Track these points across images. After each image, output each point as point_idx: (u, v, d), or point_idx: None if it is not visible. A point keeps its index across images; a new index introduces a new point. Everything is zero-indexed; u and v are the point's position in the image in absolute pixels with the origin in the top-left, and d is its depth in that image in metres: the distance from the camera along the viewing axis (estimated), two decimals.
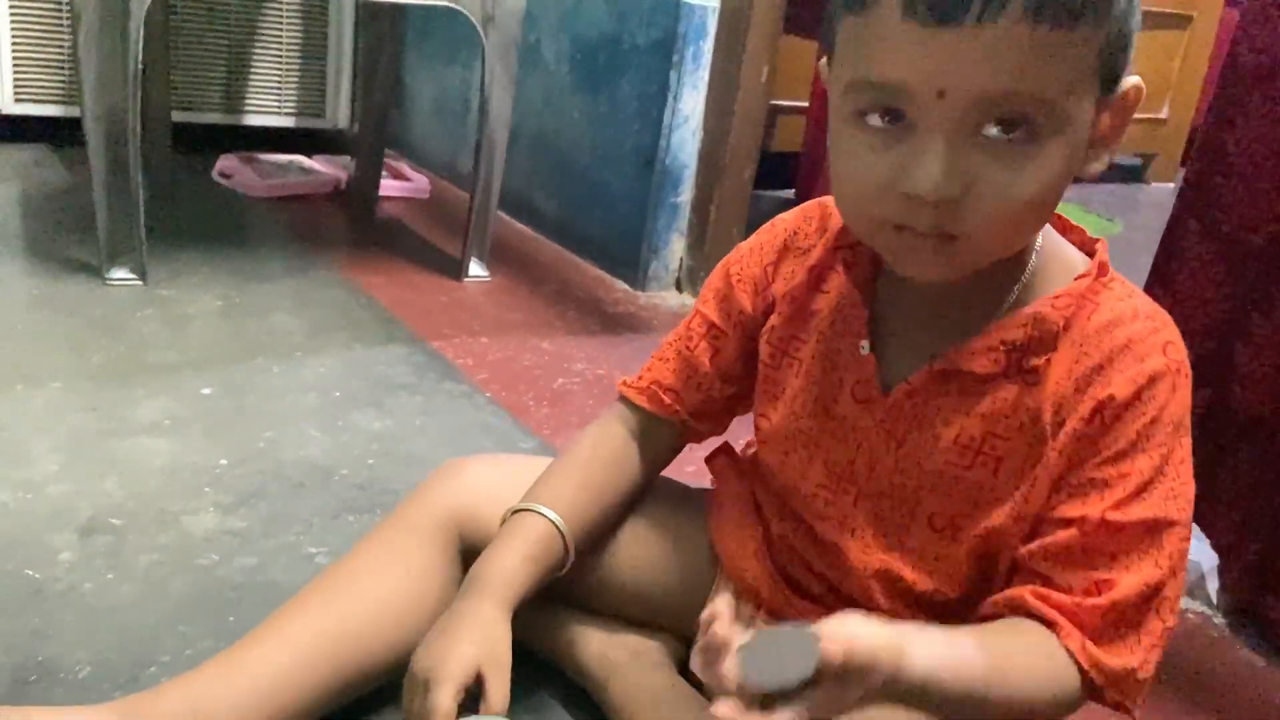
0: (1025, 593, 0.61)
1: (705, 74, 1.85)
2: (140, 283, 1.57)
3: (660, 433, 0.81)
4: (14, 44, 2.16)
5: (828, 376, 0.70)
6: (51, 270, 1.59)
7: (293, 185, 2.22)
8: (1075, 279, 0.63)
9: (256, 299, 1.61)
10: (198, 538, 0.98)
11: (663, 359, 0.81)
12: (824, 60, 0.62)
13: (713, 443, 0.86)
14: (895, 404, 0.66)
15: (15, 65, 2.17)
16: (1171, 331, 0.63)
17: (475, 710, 0.66)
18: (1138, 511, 0.59)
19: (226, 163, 2.24)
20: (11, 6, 2.13)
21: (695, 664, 0.81)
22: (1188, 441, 0.62)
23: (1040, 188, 0.55)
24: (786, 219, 0.77)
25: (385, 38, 2.13)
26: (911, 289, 0.66)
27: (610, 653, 0.82)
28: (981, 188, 0.54)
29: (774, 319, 0.74)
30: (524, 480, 0.80)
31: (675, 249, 1.97)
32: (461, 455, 0.86)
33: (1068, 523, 0.60)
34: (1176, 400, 0.61)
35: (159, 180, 2.07)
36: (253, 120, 2.45)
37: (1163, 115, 3.58)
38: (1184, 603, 1.11)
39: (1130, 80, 0.57)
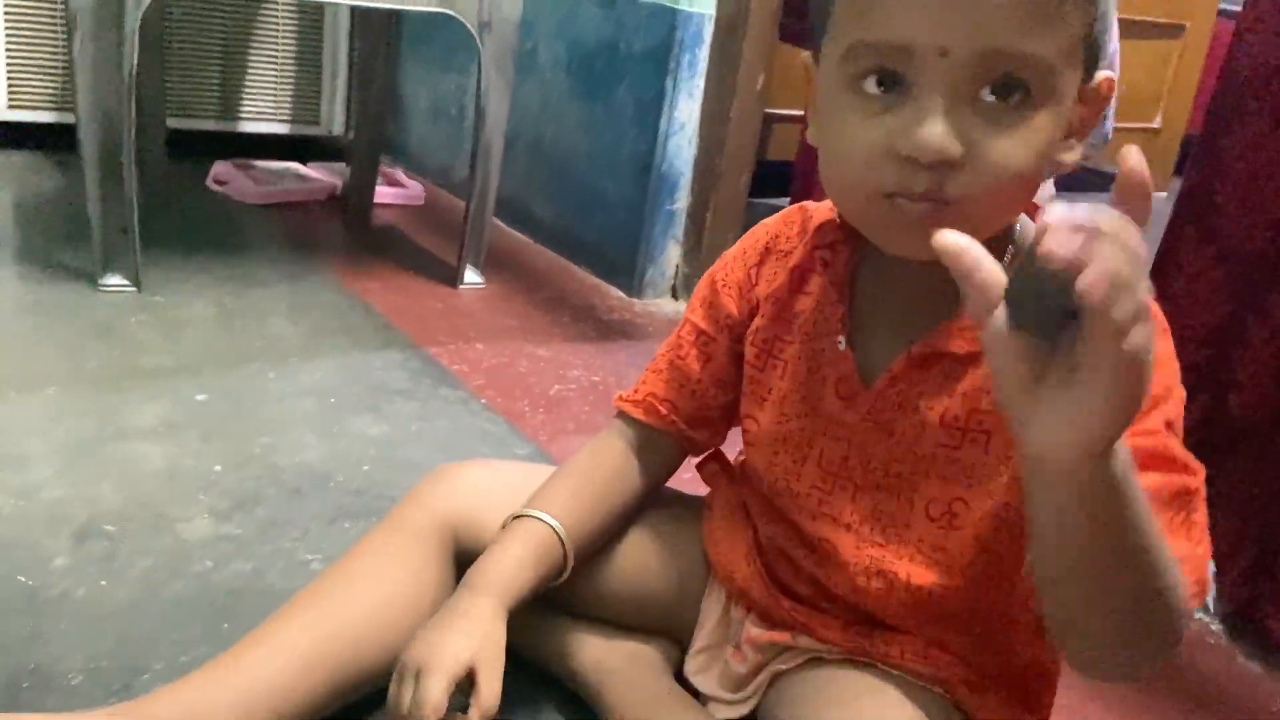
0: None
1: (701, 81, 1.85)
2: (134, 289, 1.56)
3: (659, 445, 0.82)
4: (8, 50, 2.15)
5: (812, 376, 0.71)
6: (45, 276, 1.58)
7: (287, 192, 2.22)
8: None
9: (251, 305, 1.60)
10: (193, 544, 0.97)
11: (656, 371, 0.81)
12: (809, 55, 0.63)
13: None
14: (879, 394, 0.67)
15: (9, 71, 2.16)
16: None
17: (464, 707, 0.65)
18: (1155, 422, 0.58)
19: (221, 169, 2.23)
20: (6, 12, 2.13)
21: (690, 668, 0.81)
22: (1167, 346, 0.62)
23: (1032, 155, 0.56)
24: (768, 224, 0.78)
25: (381, 44, 2.13)
26: (889, 284, 0.67)
27: (606, 658, 0.82)
28: (980, 151, 0.55)
29: (758, 321, 0.75)
30: (519, 485, 0.80)
31: (671, 256, 1.97)
32: (457, 461, 0.85)
33: None
34: (1161, 324, 0.61)
35: (153, 187, 2.06)
36: (248, 127, 2.44)
37: (1156, 124, 3.60)
38: None
39: (1103, 73, 0.59)
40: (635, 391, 0.82)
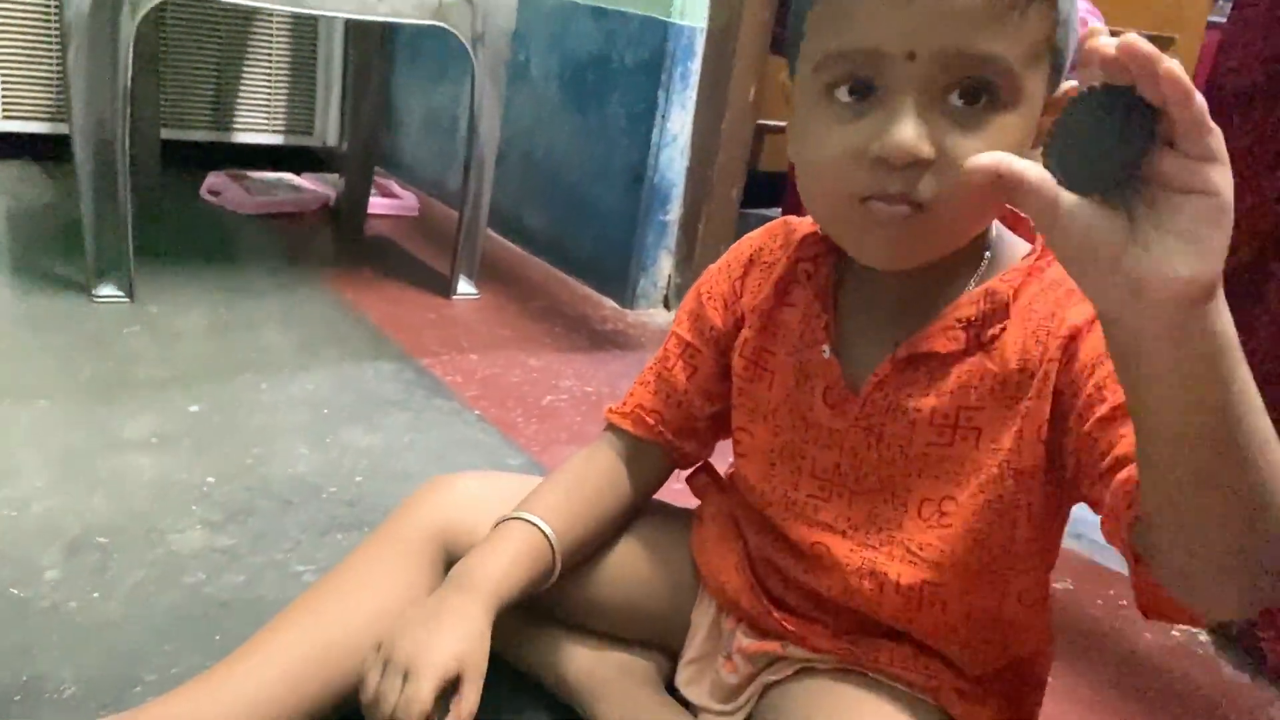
0: None
1: (693, 94, 1.86)
2: (128, 300, 1.56)
3: (647, 456, 0.82)
4: (2, 61, 2.16)
5: (801, 386, 0.72)
6: (39, 287, 1.58)
7: (281, 203, 2.22)
8: (1021, 259, 0.67)
9: (245, 316, 1.60)
10: (185, 555, 0.97)
11: (644, 383, 0.82)
12: (784, 75, 0.65)
13: None
14: (867, 399, 0.68)
15: (3, 82, 2.17)
16: None
17: (443, 709, 0.64)
18: None
19: (215, 180, 2.24)
20: (0, 23, 2.13)
21: (680, 679, 0.81)
22: None
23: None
24: (752, 237, 0.79)
25: (375, 55, 2.14)
26: (871, 292, 0.68)
27: (597, 670, 0.82)
28: (950, 153, 0.56)
29: (745, 333, 0.76)
30: (511, 496, 0.80)
31: (663, 266, 1.98)
32: (450, 471, 0.86)
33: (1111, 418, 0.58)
34: None
35: (147, 197, 2.06)
36: (242, 138, 2.45)
37: None
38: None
39: (1068, 83, 0.60)
40: (624, 404, 0.83)
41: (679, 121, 1.88)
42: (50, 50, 2.19)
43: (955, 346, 0.64)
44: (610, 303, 1.98)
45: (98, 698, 0.78)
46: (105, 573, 0.93)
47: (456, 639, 0.66)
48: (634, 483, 0.82)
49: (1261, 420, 0.45)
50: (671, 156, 1.90)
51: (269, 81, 2.45)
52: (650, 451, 0.82)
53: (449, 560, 0.79)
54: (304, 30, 2.45)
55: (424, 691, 0.63)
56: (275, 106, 2.47)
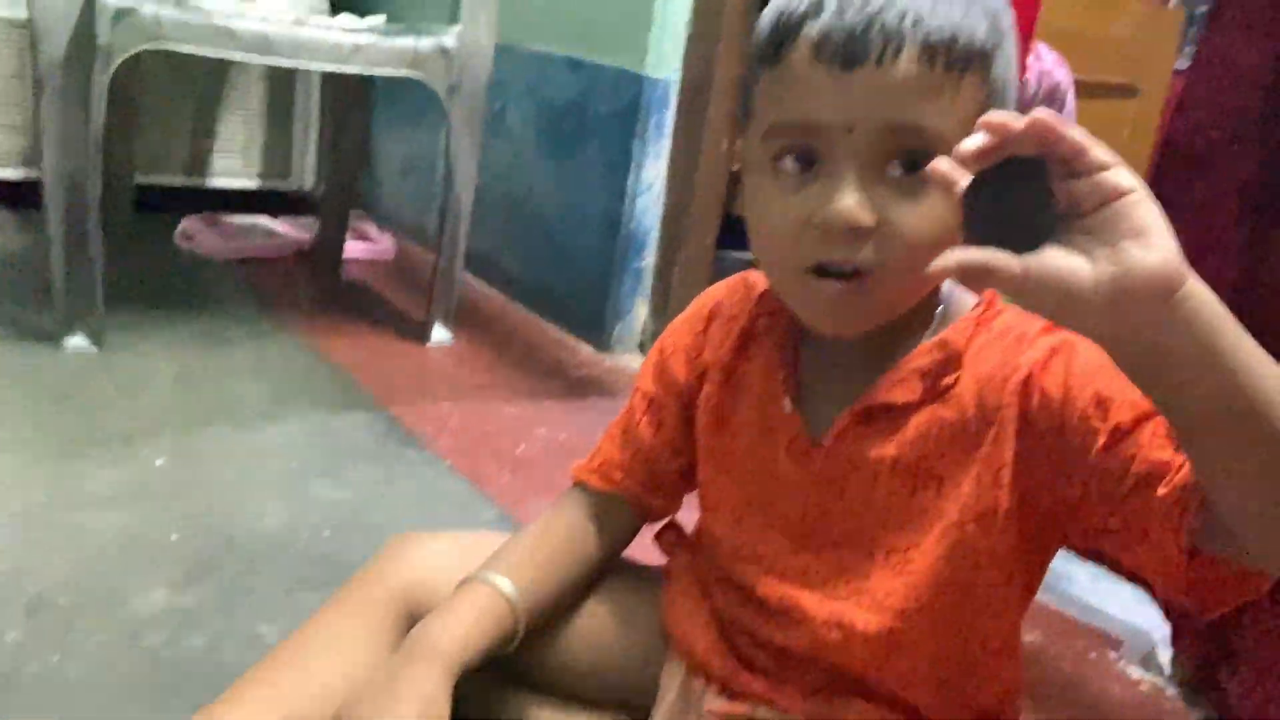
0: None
1: (667, 144, 1.88)
2: (96, 349, 1.55)
3: (615, 512, 0.82)
4: None
5: (764, 439, 0.72)
6: (7, 337, 1.57)
7: (256, 247, 2.22)
8: (970, 311, 0.68)
9: (215, 365, 1.60)
10: (146, 616, 0.96)
11: (610, 438, 0.82)
12: (739, 140, 0.67)
13: None
14: (829, 452, 0.68)
15: None
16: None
17: None
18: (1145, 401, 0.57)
19: (189, 224, 2.23)
20: None
21: None
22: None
23: (940, 224, 0.58)
24: (713, 291, 0.80)
25: (352, 100, 2.15)
26: (829, 345, 0.69)
27: None
28: (891, 221, 0.58)
29: (708, 388, 0.76)
30: (475, 556, 0.79)
31: (639, 312, 1.99)
32: (420, 525, 0.85)
33: (1115, 439, 0.58)
34: (1075, 338, 0.62)
35: (120, 243, 2.05)
36: (218, 182, 2.45)
37: None
38: (1136, 673, 1.12)
39: None
40: (590, 459, 0.82)
41: (654, 170, 1.89)
42: (23, 96, 2.19)
43: (912, 397, 0.65)
44: (586, 348, 1.98)
45: None
46: (66, 635, 0.92)
47: (414, 710, 0.65)
48: (601, 540, 0.82)
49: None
50: (647, 204, 1.92)
51: (246, 125, 2.45)
52: (618, 507, 0.82)
53: (413, 623, 0.78)
54: (281, 74, 2.46)
55: None
56: (252, 150, 2.47)
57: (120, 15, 1.40)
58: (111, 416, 1.36)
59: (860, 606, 0.68)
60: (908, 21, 0.57)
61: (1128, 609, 1.19)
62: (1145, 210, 0.45)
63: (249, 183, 2.48)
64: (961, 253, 0.45)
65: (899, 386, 0.66)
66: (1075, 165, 0.45)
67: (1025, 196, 0.46)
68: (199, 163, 2.41)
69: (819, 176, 0.60)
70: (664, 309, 1.94)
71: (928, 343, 0.66)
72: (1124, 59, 3.49)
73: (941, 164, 0.48)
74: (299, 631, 0.77)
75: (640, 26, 1.82)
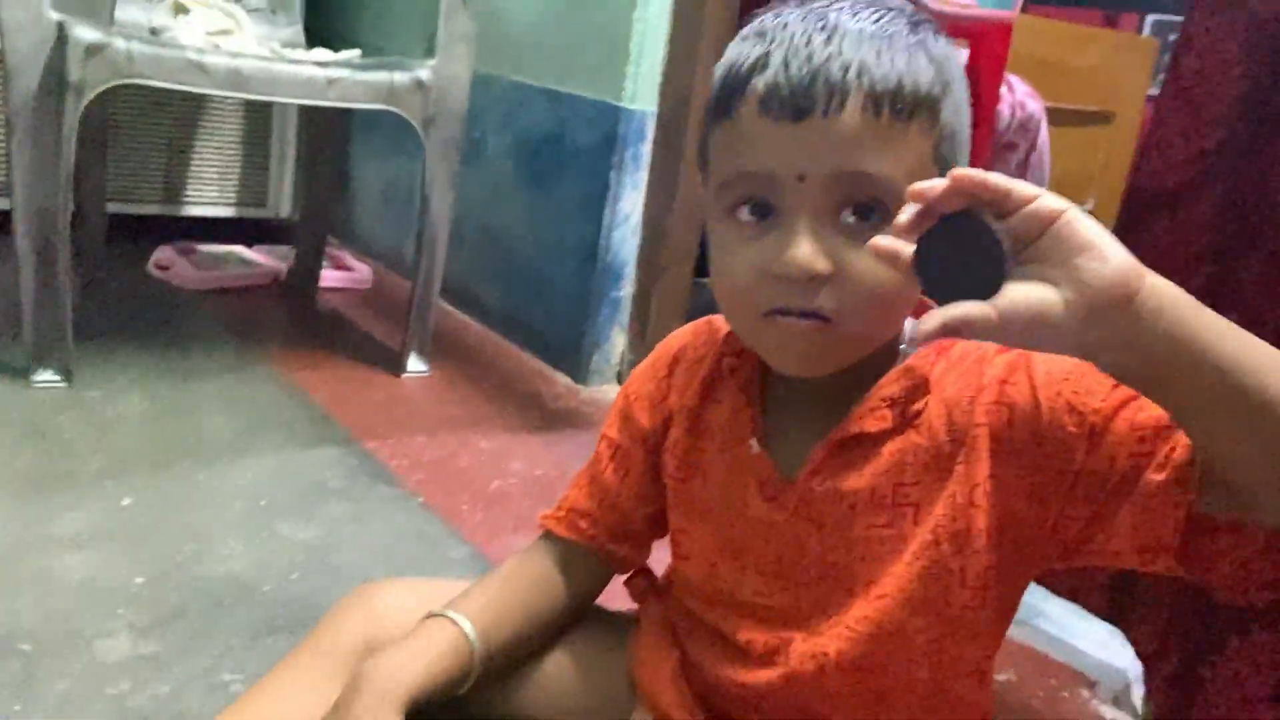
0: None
1: (644, 175, 1.89)
2: (66, 384, 1.54)
3: (583, 561, 0.81)
4: None
5: (732, 482, 0.72)
6: None
7: (230, 277, 2.21)
8: None
9: (186, 399, 1.58)
10: (110, 664, 0.94)
11: (577, 486, 0.82)
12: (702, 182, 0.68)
13: None
14: (804, 489, 0.68)
15: None
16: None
17: None
18: (1113, 395, 0.61)
19: (163, 254, 2.22)
20: None
21: None
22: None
23: (897, 270, 0.58)
24: (677, 335, 0.80)
25: (329, 129, 2.15)
26: (795, 383, 0.69)
27: None
28: (847, 268, 0.59)
29: (675, 432, 0.76)
30: (438, 604, 0.78)
31: (617, 343, 1.98)
32: (390, 566, 0.85)
33: (1100, 425, 0.61)
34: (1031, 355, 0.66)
35: (92, 275, 2.04)
36: (193, 210, 2.43)
37: (1089, 206, 3.71)
38: (1109, 713, 1.12)
39: None
40: (558, 508, 0.82)
41: (631, 201, 1.90)
42: None
43: (884, 425, 0.66)
44: (564, 378, 1.98)
45: None
46: (28, 683, 0.90)
47: None
48: (569, 589, 0.81)
49: (1255, 340, 0.50)
50: (624, 235, 1.92)
51: (221, 154, 2.44)
52: (585, 557, 0.81)
53: None
54: (258, 103, 2.46)
55: None
56: (228, 179, 2.46)
57: (92, 51, 1.39)
58: (79, 454, 1.35)
59: (836, 638, 0.67)
60: (852, 73, 0.58)
61: (1101, 646, 1.19)
62: (1084, 225, 0.48)
63: (225, 211, 2.47)
64: (940, 314, 0.48)
65: (870, 416, 0.66)
66: (1005, 206, 0.49)
67: (974, 245, 0.49)
68: (174, 191, 2.40)
69: (775, 226, 0.61)
70: (642, 340, 1.94)
71: (894, 371, 0.67)
72: (1097, 87, 3.53)
73: (882, 241, 0.51)
74: (262, 682, 0.76)
75: (617, 59, 1.83)
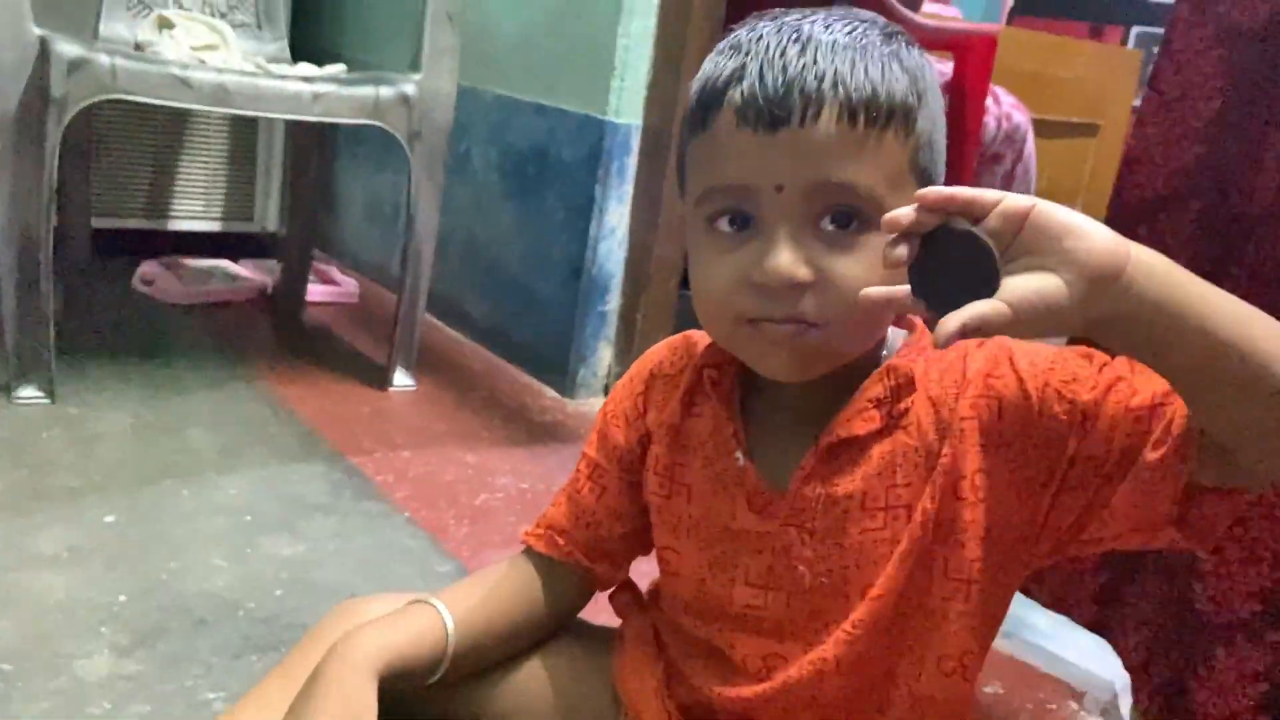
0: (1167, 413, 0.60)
1: (630, 188, 1.89)
2: (48, 401, 1.52)
3: (562, 578, 0.81)
4: None
5: (718, 497, 0.72)
6: None
7: (216, 292, 2.20)
8: (904, 343, 0.70)
9: (169, 415, 1.57)
10: (90, 684, 0.93)
11: (557, 503, 0.82)
12: (680, 207, 0.69)
13: None
14: (795, 496, 0.68)
15: None
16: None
17: None
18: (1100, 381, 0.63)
19: (148, 269, 2.21)
20: None
21: None
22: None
23: (876, 274, 0.60)
24: (653, 351, 0.80)
25: (316, 142, 2.15)
26: (777, 393, 0.69)
27: None
28: (829, 275, 0.60)
29: (656, 449, 0.76)
30: None
31: (603, 356, 1.98)
32: (376, 581, 0.84)
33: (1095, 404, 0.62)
34: (1005, 339, 0.67)
35: (75, 289, 2.03)
36: (179, 225, 2.42)
37: None
38: None
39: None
40: (538, 524, 0.83)
41: (617, 215, 1.90)
42: None
43: (873, 426, 0.66)
44: (550, 392, 1.97)
45: None
46: (7, 705, 0.89)
47: (336, 706, 0.65)
48: (550, 601, 0.81)
49: (1232, 296, 0.53)
50: (610, 248, 1.92)
51: (207, 168, 2.44)
52: (563, 573, 0.81)
53: None
54: (243, 118, 2.45)
55: None
56: (214, 193, 2.45)
57: (75, 66, 1.39)
58: (61, 471, 1.34)
59: (837, 642, 0.67)
60: (827, 83, 0.59)
61: (1088, 658, 1.19)
62: (1059, 212, 0.50)
63: (211, 225, 2.46)
64: (957, 316, 0.49)
65: (858, 419, 0.66)
66: (975, 213, 0.51)
67: (961, 252, 0.51)
68: (160, 205, 2.39)
69: (754, 236, 0.61)
70: (628, 352, 1.94)
71: (877, 372, 0.67)
72: (1083, 98, 3.55)
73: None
74: (243, 700, 0.76)
75: (602, 73, 1.84)
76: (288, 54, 2.09)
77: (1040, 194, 0.55)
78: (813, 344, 0.62)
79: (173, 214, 2.41)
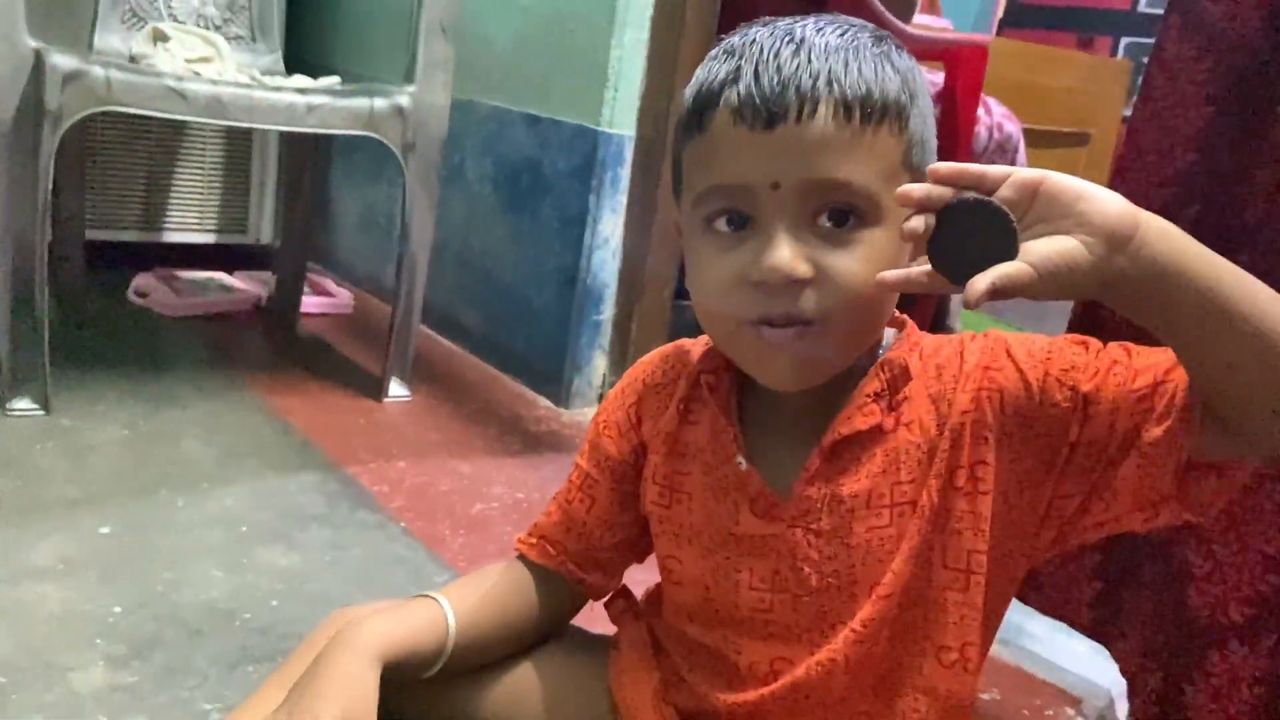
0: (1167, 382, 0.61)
1: (624, 198, 1.90)
2: (43, 412, 1.52)
3: (554, 586, 0.82)
4: None
5: (720, 503, 0.72)
6: None
7: (211, 303, 2.20)
8: (895, 340, 0.71)
9: (165, 426, 1.57)
10: (85, 696, 0.93)
11: (548, 513, 0.83)
12: (675, 212, 0.70)
13: None
14: (800, 498, 0.68)
15: None
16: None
17: None
18: (1098, 365, 0.64)
19: (143, 281, 2.20)
20: None
21: None
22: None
23: (874, 269, 0.61)
24: (645, 361, 0.81)
25: (309, 154, 2.15)
26: (775, 397, 0.70)
27: None
28: (827, 270, 0.61)
29: (653, 459, 0.76)
30: None
31: (598, 366, 1.98)
32: (371, 592, 0.85)
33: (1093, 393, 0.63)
34: (998, 332, 0.69)
35: (70, 301, 2.03)
36: (173, 237, 2.42)
37: None
38: None
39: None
40: (530, 533, 0.83)
41: (610, 225, 1.91)
42: None
43: (874, 420, 0.67)
44: (545, 402, 1.97)
45: None
46: (1, 716, 0.89)
47: (332, 701, 0.65)
48: (541, 607, 0.82)
49: (1244, 272, 0.54)
50: (604, 258, 1.92)
51: (202, 180, 2.44)
52: (555, 581, 0.82)
53: None
54: (238, 129, 2.45)
55: None
56: (208, 205, 2.45)
57: (69, 79, 1.39)
58: (56, 483, 1.33)
59: (846, 641, 0.68)
60: (822, 81, 0.60)
61: (1085, 663, 1.19)
62: (1069, 180, 0.53)
63: (205, 237, 2.46)
64: (986, 276, 0.51)
65: (859, 414, 0.67)
66: (986, 187, 0.53)
67: (978, 222, 0.52)
68: (154, 218, 2.39)
69: (752, 234, 0.62)
70: (622, 362, 1.94)
71: (872, 369, 0.68)
72: (1073, 108, 3.58)
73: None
74: (238, 710, 0.76)
75: (596, 84, 1.84)
76: (282, 66, 2.09)
77: None
78: (813, 348, 0.62)
79: (167, 226, 2.40)
